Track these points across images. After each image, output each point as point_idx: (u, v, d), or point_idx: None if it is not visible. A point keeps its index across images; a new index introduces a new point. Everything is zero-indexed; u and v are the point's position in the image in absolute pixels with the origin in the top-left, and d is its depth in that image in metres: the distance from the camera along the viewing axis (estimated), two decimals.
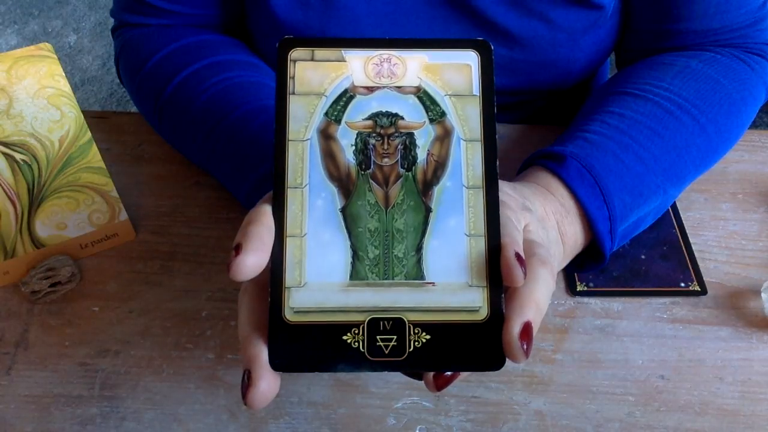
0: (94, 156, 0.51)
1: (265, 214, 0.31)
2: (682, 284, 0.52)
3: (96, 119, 0.64)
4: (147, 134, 0.63)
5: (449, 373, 0.31)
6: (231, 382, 0.46)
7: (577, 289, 0.51)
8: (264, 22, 0.59)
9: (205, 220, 0.56)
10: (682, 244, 0.54)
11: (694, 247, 0.54)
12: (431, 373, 0.31)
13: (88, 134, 0.50)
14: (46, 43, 0.47)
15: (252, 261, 0.29)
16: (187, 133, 0.55)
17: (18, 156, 0.48)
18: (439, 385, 0.31)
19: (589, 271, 0.52)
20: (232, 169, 0.51)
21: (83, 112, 0.51)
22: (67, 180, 0.50)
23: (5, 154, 0.48)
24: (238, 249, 0.29)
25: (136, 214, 0.56)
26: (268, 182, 0.47)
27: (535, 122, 0.67)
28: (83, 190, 0.51)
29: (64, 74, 0.48)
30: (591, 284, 0.52)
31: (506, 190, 0.38)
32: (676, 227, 0.56)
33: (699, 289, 0.51)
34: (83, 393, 0.46)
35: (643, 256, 0.53)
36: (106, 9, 2.13)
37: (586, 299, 0.51)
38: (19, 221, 0.50)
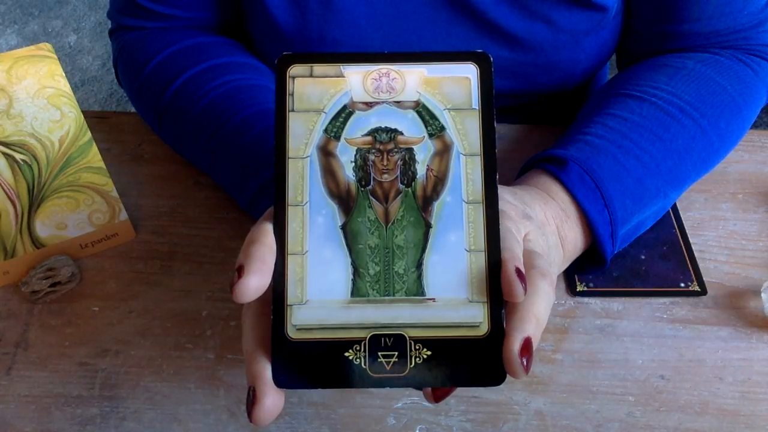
0: (94, 156, 0.51)
1: (266, 233, 0.31)
2: (682, 284, 0.52)
3: (96, 119, 0.64)
4: (147, 134, 0.63)
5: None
6: (231, 382, 0.46)
7: (577, 289, 0.51)
8: (262, 24, 0.58)
9: (205, 220, 0.56)
10: (682, 244, 0.54)
11: (694, 247, 0.54)
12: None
13: (88, 134, 0.50)
14: (46, 43, 0.47)
15: (254, 283, 0.29)
16: (187, 138, 0.55)
17: (18, 156, 0.48)
18: (438, 396, 0.32)
19: (590, 274, 0.52)
20: (234, 175, 0.51)
21: (83, 112, 0.51)
22: (67, 180, 0.50)
23: (5, 154, 0.48)
24: (240, 271, 0.30)
25: (136, 214, 0.56)
26: (270, 189, 0.47)
27: (535, 123, 0.67)
28: (83, 190, 0.51)
29: (64, 74, 0.48)
30: (591, 284, 0.52)
31: (506, 198, 0.38)
32: (676, 227, 0.56)
33: (699, 290, 0.51)
34: (83, 393, 0.46)
35: (643, 256, 0.53)
36: (106, 9, 2.13)
37: (586, 299, 0.51)
38: (19, 221, 0.50)
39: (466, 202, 0.32)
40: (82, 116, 0.50)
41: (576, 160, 0.46)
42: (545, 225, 0.41)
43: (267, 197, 0.48)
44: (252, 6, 0.58)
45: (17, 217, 0.50)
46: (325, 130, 0.32)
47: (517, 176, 0.50)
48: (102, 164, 0.51)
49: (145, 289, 0.52)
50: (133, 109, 0.66)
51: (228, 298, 0.51)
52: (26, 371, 0.47)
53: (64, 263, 0.51)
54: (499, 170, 0.33)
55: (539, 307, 0.31)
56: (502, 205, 0.34)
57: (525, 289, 0.30)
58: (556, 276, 0.39)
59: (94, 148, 0.51)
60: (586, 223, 0.44)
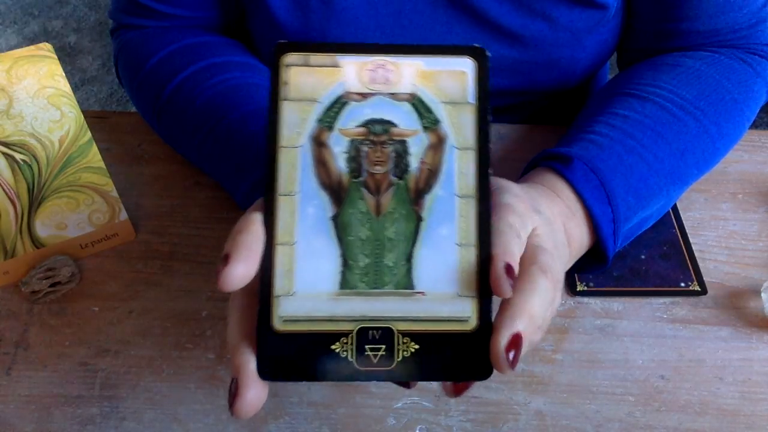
0: (94, 156, 0.51)
1: (254, 222, 0.31)
2: (682, 284, 0.52)
3: (96, 119, 0.64)
4: (147, 134, 0.63)
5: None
6: None
7: (577, 289, 0.51)
8: (263, 24, 0.58)
9: (205, 220, 0.56)
10: (682, 244, 0.54)
11: (694, 247, 0.54)
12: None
13: (88, 134, 0.50)
14: (46, 43, 0.47)
15: (240, 271, 0.29)
16: (185, 136, 0.55)
17: (18, 156, 0.48)
18: (458, 390, 0.31)
19: (592, 273, 0.51)
20: (230, 172, 0.51)
21: (83, 112, 0.51)
22: (67, 180, 0.50)
23: (5, 154, 0.48)
24: (226, 259, 0.29)
25: (136, 214, 0.56)
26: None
27: (536, 123, 0.67)
28: (83, 190, 0.51)
29: (64, 74, 0.48)
30: (591, 284, 0.52)
31: (515, 192, 0.37)
32: (676, 227, 0.56)
33: (699, 289, 0.51)
34: (83, 393, 0.46)
35: (643, 256, 0.53)
36: (106, 9, 2.13)
37: (586, 299, 0.51)
38: (19, 221, 0.50)
39: (458, 197, 0.31)
40: (82, 116, 0.50)
41: (581, 157, 0.45)
42: (552, 222, 0.41)
43: (262, 194, 0.48)
44: (253, 5, 0.58)
45: (17, 217, 0.50)
46: (319, 120, 0.32)
47: (521, 174, 0.50)
48: (102, 164, 0.51)
49: (145, 289, 0.52)
50: (133, 109, 0.66)
51: (228, 298, 0.51)
52: (26, 371, 0.47)
53: (64, 263, 0.51)
54: (500, 170, 0.32)
55: (533, 303, 0.30)
56: (509, 200, 0.34)
57: (513, 286, 0.30)
58: (562, 274, 0.39)
59: (94, 148, 0.51)
60: (590, 221, 0.44)
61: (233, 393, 0.29)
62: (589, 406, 0.45)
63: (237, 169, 0.50)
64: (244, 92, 0.53)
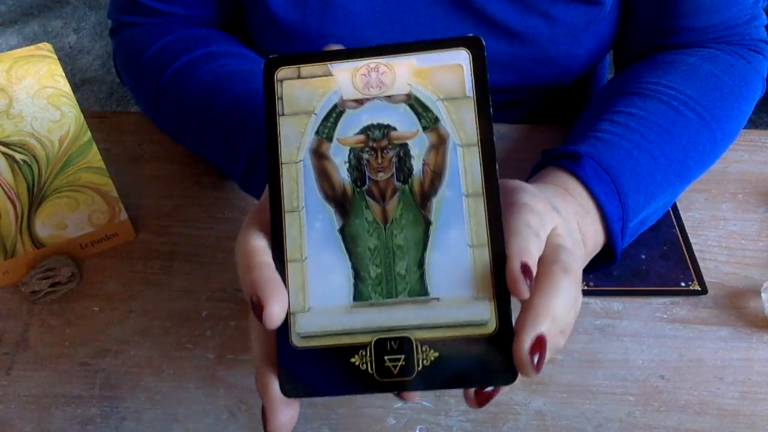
0: (94, 156, 0.51)
1: (262, 252, 0.30)
2: (683, 284, 0.52)
3: (96, 119, 0.64)
4: (147, 134, 0.63)
5: (490, 389, 0.30)
6: (231, 382, 0.46)
7: None
8: (262, 21, 0.59)
9: (205, 220, 0.56)
10: (682, 244, 0.54)
11: (694, 247, 0.54)
12: (472, 390, 0.30)
13: (88, 134, 0.50)
14: (46, 43, 0.47)
15: (278, 309, 0.29)
16: (181, 123, 0.55)
17: (18, 156, 0.48)
18: (481, 401, 0.30)
19: (598, 272, 0.51)
20: (225, 155, 0.51)
21: (83, 112, 0.51)
22: (67, 180, 0.50)
23: (5, 154, 0.48)
24: (260, 304, 0.29)
25: (136, 214, 0.56)
26: (259, 157, 0.47)
27: (534, 120, 0.67)
28: (83, 190, 0.51)
29: (64, 74, 0.48)
30: (591, 284, 0.52)
31: (532, 191, 0.37)
32: (676, 227, 0.56)
33: (699, 288, 0.51)
34: (83, 393, 0.46)
35: (643, 256, 0.53)
36: (106, 9, 2.13)
37: (586, 299, 0.51)
38: (19, 221, 0.50)
39: (466, 196, 0.31)
40: (82, 116, 0.50)
41: (589, 155, 0.45)
42: (569, 221, 0.41)
43: (258, 166, 0.47)
44: (252, 3, 0.58)
45: (17, 217, 0.50)
46: (317, 132, 0.32)
47: (529, 176, 0.49)
48: (102, 164, 0.51)
49: (145, 289, 0.52)
50: (133, 109, 0.66)
51: (228, 298, 0.51)
52: (26, 371, 0.47)
53: (64, 263, 0.51)
54: (501, 171, 0.32)
55: (556, 303, 0.29)
56: (526, 199, 0.33)
57: (530, 287, 0.29)
58: (581, 274, 0.38)
59: (94, 148, 0.51)
60: (603, 218, 0.44)
61: (263, 416, 0.29)
62: (589, 406, 0.45)
63: (231, 152, 0.50)
64: (237, 77, 0.53)
